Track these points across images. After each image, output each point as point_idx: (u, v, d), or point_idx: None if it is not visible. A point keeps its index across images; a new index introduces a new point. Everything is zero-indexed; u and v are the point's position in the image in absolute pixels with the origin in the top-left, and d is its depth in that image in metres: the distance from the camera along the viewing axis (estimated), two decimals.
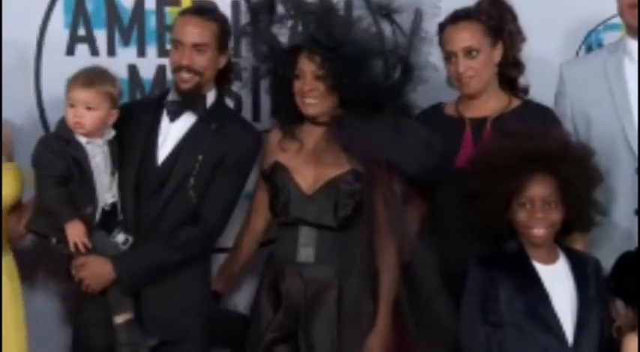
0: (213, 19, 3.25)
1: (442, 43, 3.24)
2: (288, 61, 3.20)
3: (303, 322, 3.16)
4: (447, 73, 3.26)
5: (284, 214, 3.21)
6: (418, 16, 3.18)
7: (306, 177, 3.20)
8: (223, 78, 3.34)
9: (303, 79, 3.15)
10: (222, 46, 3.25)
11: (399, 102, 3.19)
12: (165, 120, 3.27)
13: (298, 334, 3.17)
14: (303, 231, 3.19)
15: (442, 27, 3.24)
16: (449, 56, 3.22)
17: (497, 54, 3.25)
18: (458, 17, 3.22)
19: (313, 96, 3.15)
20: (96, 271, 3.13)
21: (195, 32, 3.20)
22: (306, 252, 3.18)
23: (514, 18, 3.27)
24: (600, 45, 3.75)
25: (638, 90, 3.21)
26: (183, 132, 3.24)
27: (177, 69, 3.21)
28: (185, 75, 3.19)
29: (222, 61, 3.28)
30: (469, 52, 3.19)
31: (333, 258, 3.18)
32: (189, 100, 3.24)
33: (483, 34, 3.21)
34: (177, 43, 3.22)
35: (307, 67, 3.14)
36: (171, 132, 3.25)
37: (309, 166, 3.21)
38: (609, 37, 3.71)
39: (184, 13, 3.33)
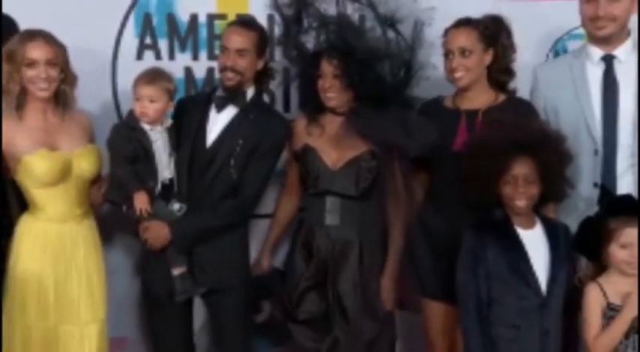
0: (253, 29, 3.03)
1: (444, 43, 3.02)
2: (312, 64, 3.02)
3: (332, 273, 3.00)
4: (445, 68, 3.02)
5: (314, 186, 3.03)
6: (418, 25, 2.98)
7: (331, 156, 3.03)
8: (261, 77, 3.11)
9: (324, 78, 2.98)
10: (260, 51, 3.04)
11: (403, 97, 2.99)
12: (213, 111, 3.06)
13: (327, 283, 2.99)
14: (330, 200, 3.00)
15: (447, 30, 3.02)
16: (447, 53, 3.00)
17: (488, 58, 3.01)
18: (460, 23, 3.01)
19: (332, 91, 2.99)
20: (156, 233, 2.94)
21: (238, 40, 2.99)
22: (332, 217, 2.99)
23: (509, 35, 3.03)
24: (566, 51, 3.47)
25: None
26: (227, 121, 3.03)
27: (223, 69, 3.02)
28: (229, 74, 2.99)
29: (260, 64, 3.07)
30: (463, 52, 2.96)
31: (355, 222, 2.99)
32: (233, 95, 3.04)
33: (478, 40, 2.97)
34: (223, 48, 3.03)
35: (327, 68, 2.97)
36: (218, 121, 3.04)
37: (332, 148, 3.04)
38: (573, 45, 3.45)
39: (231, 24, 3.13)
